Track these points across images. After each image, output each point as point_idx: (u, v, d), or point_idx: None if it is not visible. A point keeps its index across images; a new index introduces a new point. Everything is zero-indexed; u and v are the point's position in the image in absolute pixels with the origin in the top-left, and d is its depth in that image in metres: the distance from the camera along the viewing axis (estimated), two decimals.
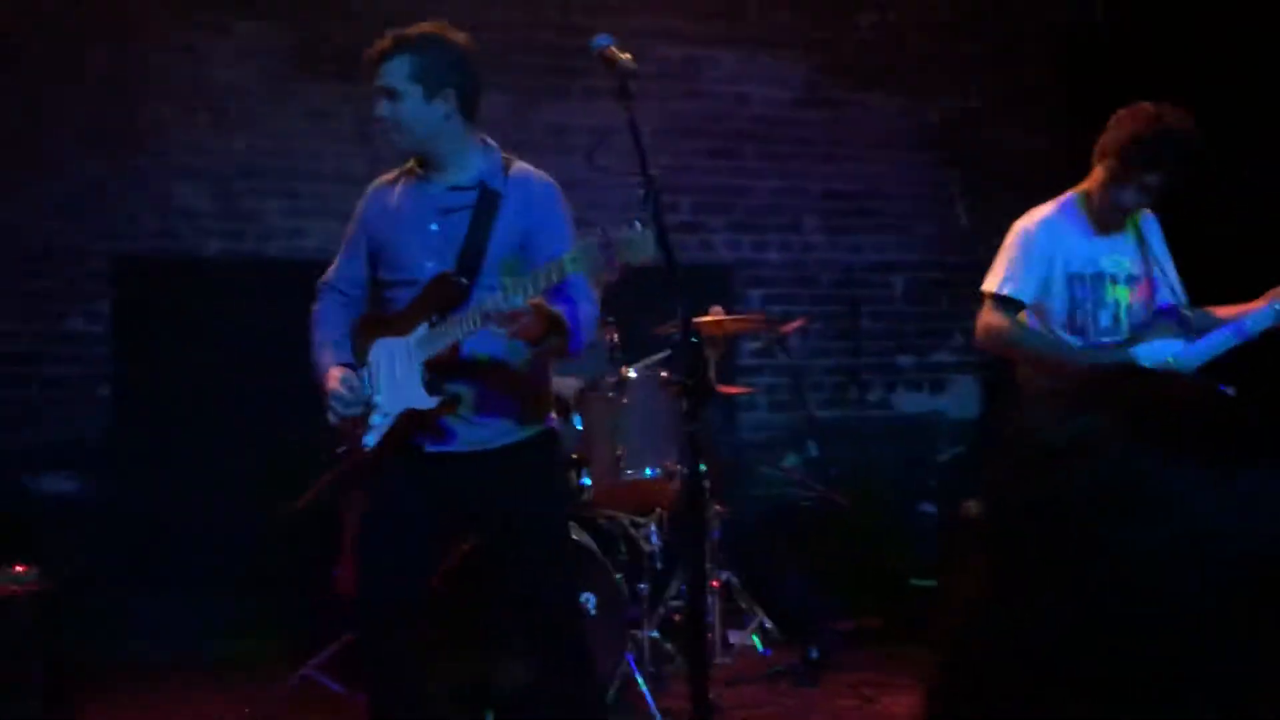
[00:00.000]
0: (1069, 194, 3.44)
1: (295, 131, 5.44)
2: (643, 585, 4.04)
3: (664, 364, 4.19)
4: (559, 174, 5.65)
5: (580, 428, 4.17)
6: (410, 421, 2.82)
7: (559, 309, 2.67)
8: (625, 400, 4.04)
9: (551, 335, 2.68)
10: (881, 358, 6.23)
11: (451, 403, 2.81)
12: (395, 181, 2.98)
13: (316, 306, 3.07)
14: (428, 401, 2.79)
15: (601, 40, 2.64)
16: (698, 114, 6.00)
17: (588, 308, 2.79)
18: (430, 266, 2.82)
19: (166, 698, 4.29)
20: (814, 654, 4.31)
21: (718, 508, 4.29)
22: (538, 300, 2.57)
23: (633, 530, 4.14)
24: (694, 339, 2.38)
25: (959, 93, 6.35)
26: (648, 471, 4.02)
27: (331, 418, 2.88)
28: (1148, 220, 3.47)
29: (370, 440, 2.84)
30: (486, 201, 2.83)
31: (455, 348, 2.76)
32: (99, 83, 5.18)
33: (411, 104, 2.79)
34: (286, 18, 5.43)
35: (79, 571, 3.89)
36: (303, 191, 5.44)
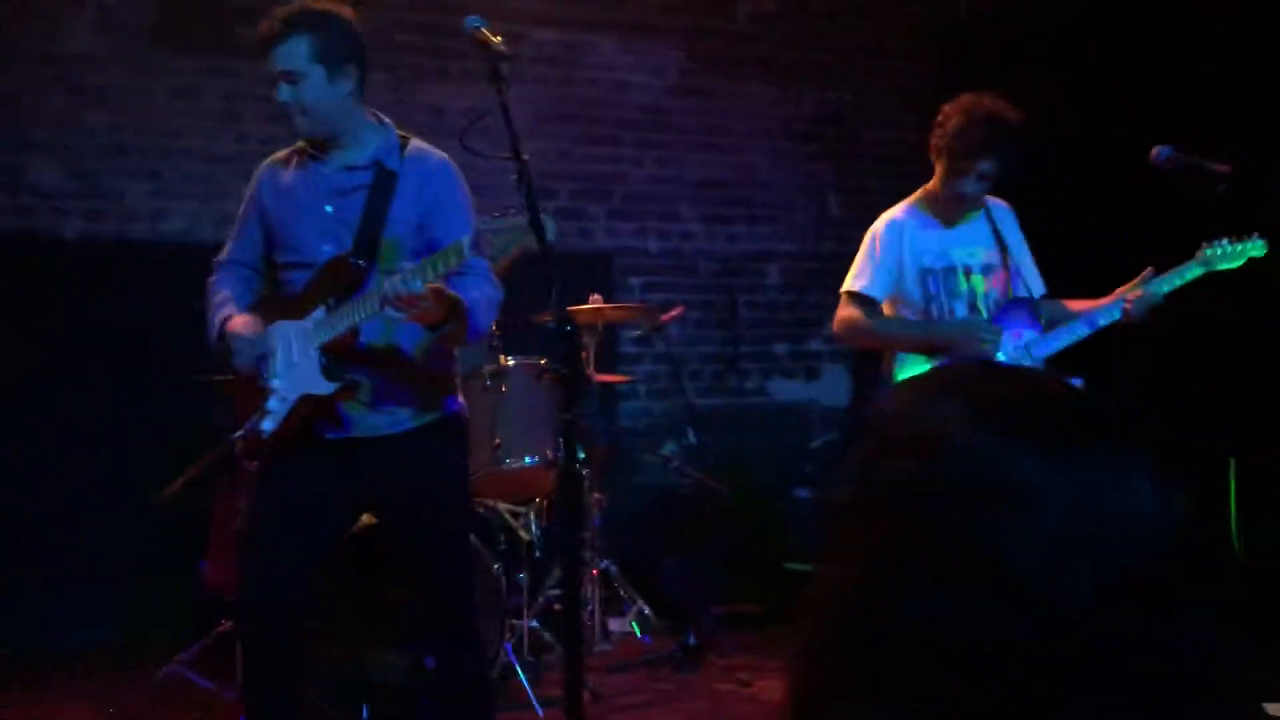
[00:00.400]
0: (915, 195, 3.57)
1: (157, 108, 5.23)
2: (522, 575, 4.03)
3: (542, 353, 4.17)
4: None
5: None
6: (308, 407, 2.76)
7: (458, 294, 2.63)
8: (504, 389, 4.01)
9: (451, 320, 2.64)
10: (758, 346, 6.32)
11: (349, 388, 2.76)
12: (288, 161, 2.91)
13: (212, 279, 2.98)
14: (325, 387, 2.74)
15: (473, 21, 2.59)
16: (576, 100, 5.98)
17: (489, 292, 2.77)
18: (326, 249, 2.77)
19: (30, 690, 4.11)
20: (692, 640, 4.35)
21: (597, 496, 4.30)
22: (437, 285, 2.54)
23: (511, 519, 4.12)
24: (569, 328, 2.37)
25: (833, 85, 6.47)
26: (526, 460, 4.00)
27: (235, 360, 2.81)
28: (1002, 211, 3.61)
29: (267, 426, 2.76)
30: (382, 182, 2.76)
31: (354, 333, 2.71)
32: None
33: (315, 85, 2.71)
34: None
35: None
36: (166, 171, 5.23)
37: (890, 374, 3.51)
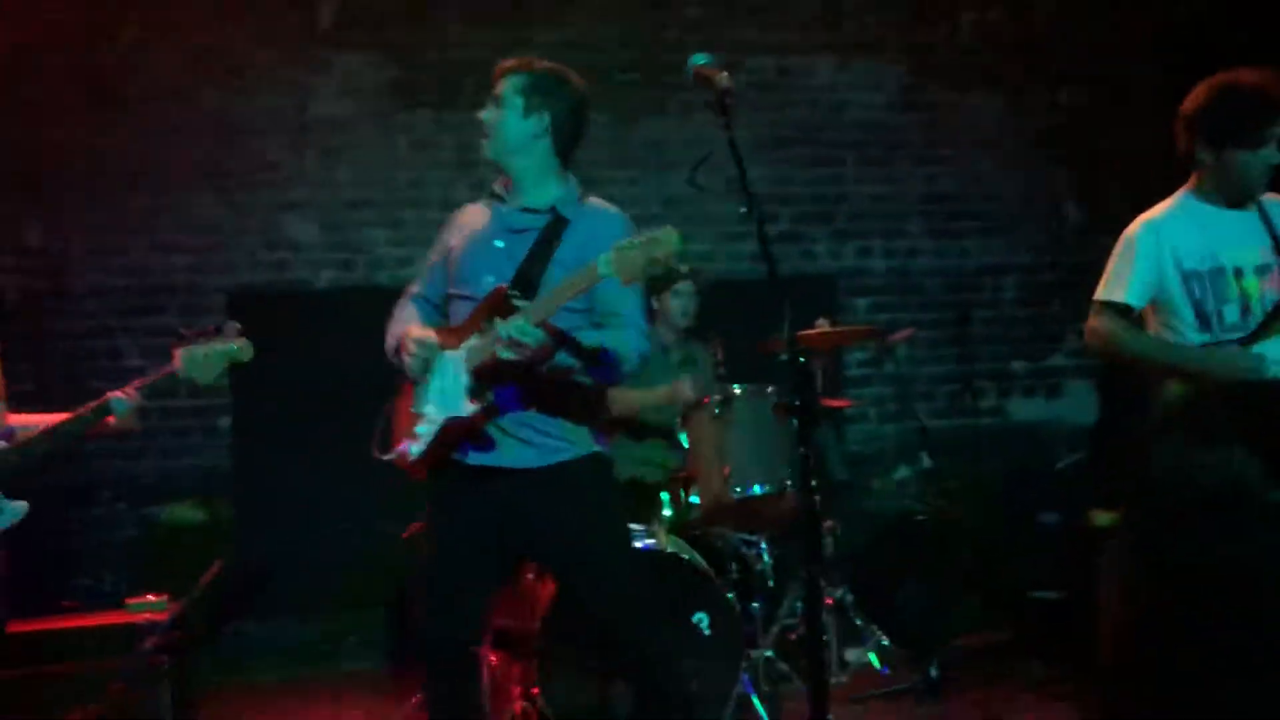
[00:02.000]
0: (1178, 193, 3.30)
1: (398, 162, 5.55)
2: (756, 604, 3.99)
3: (769, 379, 4.14)
4: (659, 189, 5.80)
5: (686, 446, 4.15)
6: (454, 430, 2.82)
7: (592, 335, 2.77)
8: (732, 417, 4.00)
9: (564, 354, 2.75)
10: (994, 364, 6.07)
11: (491, 410, 2.79)
12: (480, 203, 3.08)
13: (400, 302, 3.12)
14: (469, 408, 2.79)
15: (696, 59, 2.64)
16: (795, 123, 5.95)
17: (632, 335, 2.82)
18: (488, 281, 2.85)
19: (297, 717, 4.38)
20: (934, 671, 4.20)
21: (829, 523, 4.22)
22: (546, 324, 2.66)
23: (744, 548, 4.10)
24: (801, 359, 2.33)
25: (1063, 90, 6.18)
26: (756, 489, 3.97)
27: (407, 359, 2.89)
28: (1275, 206, 3.30)
29: (415, 450, 2.85)
30: (554, 225, 2.88)
31: (498, 360, 2.74)
32: (211, 123, 5.36)
33: (509, 114, 2.90)
34: (385, 50, 5.55)
35: (204, 598, 3.99)
36: (408, 220, 5.54)
37: (1154, 394, 3.26)
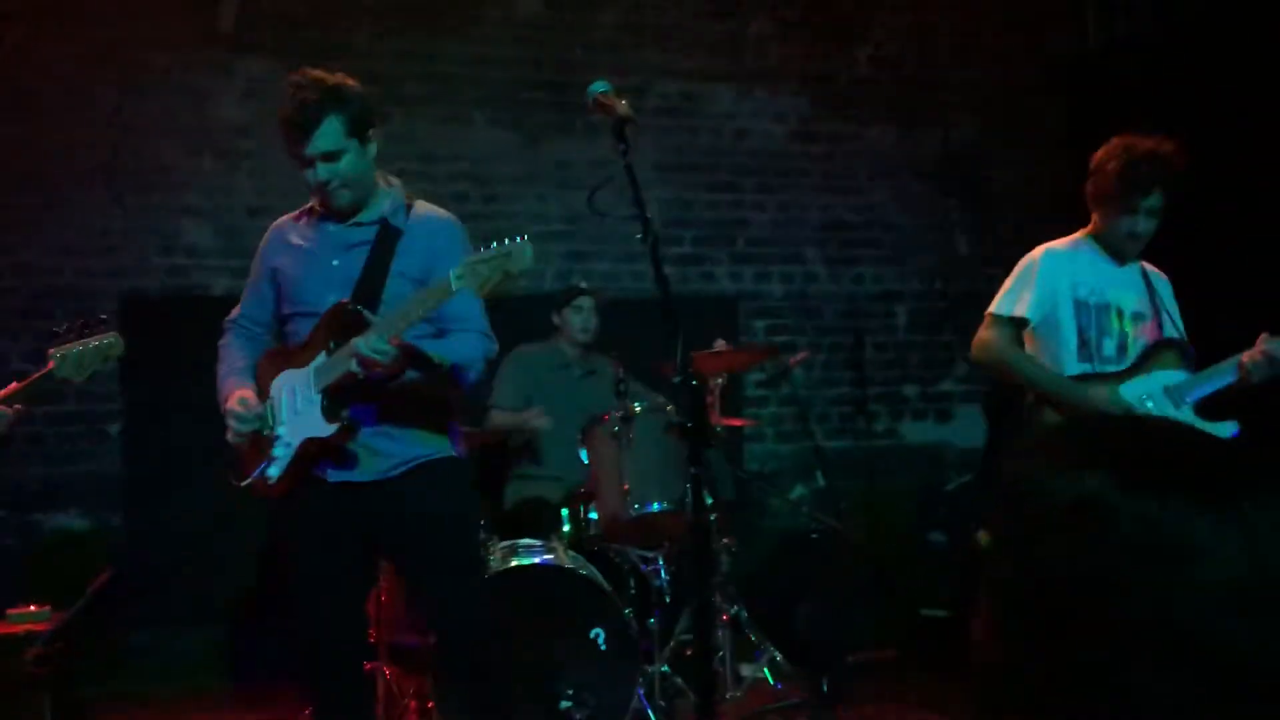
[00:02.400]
0: (1079, 233, 3.50)
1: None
2: (652, 620, 4.03)
3: (669, 399, 4.20)
4: (563, 208, 5.83)
5: (586, 462, 4.18)
6: (312, 450, 2.85)
7: (438, 344, 2.84)
8: (631, 435, 4.04)
9: (413, 369, 2.79)
10: (887, 387, 6.24)
11: (350, 428, 2.82)
12: (298, 220, 3.07)
13: (222, 341, 3.12)
14: (326, 429, 2.81)
15: (597, 87, 2.68)
16: (698, 148, 6.05)
17: (475, 339, 2.91)
18: (330, 299, 2.88)
19: None
20: (826, 687, 4.29)
21: (725, 541, 4.28)
22: (399, 340, 2.69)
23: (642, 565, 4.14)
24: (693, 381, 2.40)
25: (956, 123, 6.40)
26: (655, 506, 4.01)
27: (230, 436, 2.93)
28: (1159, 279, 3.53)
29: (274, 471, 2.87)
30: (386, 237, 2.91)
31: (351, 376, 2.76)
32: (106, 123, 5.23)
33: (352, 158, 2.86)
34: (289, 57, 5.48)
35: (88, 608, 3.88)
36: None
37: (1032, 419, 3.42)
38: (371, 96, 2.93)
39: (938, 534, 5.77)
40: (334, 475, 2.88)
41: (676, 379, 2.40)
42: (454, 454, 3.00)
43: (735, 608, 4.35)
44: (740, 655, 4.42)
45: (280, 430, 2.88)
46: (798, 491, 5.68)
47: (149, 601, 4.76)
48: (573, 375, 4.92)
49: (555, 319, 4.92)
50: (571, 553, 4.05)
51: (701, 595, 3.06)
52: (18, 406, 2.99)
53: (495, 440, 4.78)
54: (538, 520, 4.41)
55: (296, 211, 3.10)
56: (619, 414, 4.08)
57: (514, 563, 3.88)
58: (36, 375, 2.99)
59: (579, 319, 4.83)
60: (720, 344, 4.42)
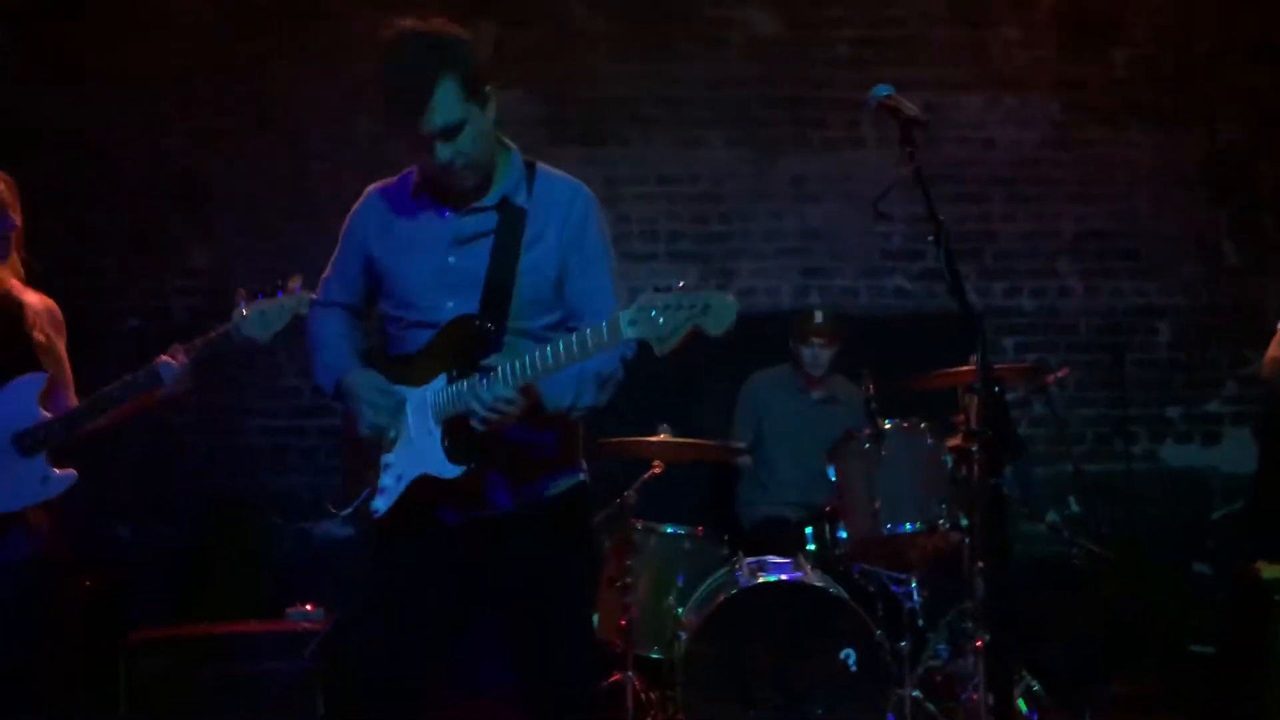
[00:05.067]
0: None
1: None
2: (904, 642, 3.93)
3: (921, 414, 4.10)
4: (800, 223, 5.80)
5: (834, 479, 4.12)
6: (427, 489, 2.37)
7: (559, 385, 2.31)
8: (883, 452, 3.96)
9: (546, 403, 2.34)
10: (1147, 408, 5.88)
11: (477, 473, 2.36)
12: (396, 194, 2.52)
13: (314, 316, 2.61)
14: (449, 470, 2.33)
15: (881, 90, 2.60)
16: (942, 159, 5.89)
17: (608, 365, 2.37)
18: (450, 306, 2.40)
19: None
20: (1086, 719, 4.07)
21: (980, 564, 4.12)
22: (528, 388, 2.25)
23: (892, 586, 4.04)
24: (995, 388, 2.28)
25: (1221, 124, 5.99)
26: (907, 526, 3.92)
27: (364, 428, 2.43)
28: None
29: (380, 505, 2.40)
30: (509, 224, 2.39)
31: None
32: (365, 155, 5.56)
33: (474, 128, 2.32)
34: (534, 87, 5.67)
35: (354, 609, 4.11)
36: None
37: None
38: (598, 108, 2.52)
39: (1203, 565, 5.40)
40: (452, 519, 2.44)
41: (976, 387, 2.31)
42: (581, 477, 2.56)
43: (990, 635, 4.17)
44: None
45: (389, 458, 2.40)
46: (1050, 517, 5.41)
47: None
48: (809, 400, 4.91)
49: (791, 346, 4.92)
50: (819, 571, 3.99)
51: (992, 632, 2.78)
52: (181, 359, 2.79)
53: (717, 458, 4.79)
54: (781, 539, 4.38)
55: (397, 178, 2.55)
56: (869, 432, 4.01)
57: (761, 579, 3.86)
58: (215, 334, 2.73)
59: (809, 354, 4.82)
60: (975, 360, 4.26)
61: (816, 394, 4.91)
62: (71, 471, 2.85)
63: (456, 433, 2.33)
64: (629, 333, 2.09)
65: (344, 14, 5.52)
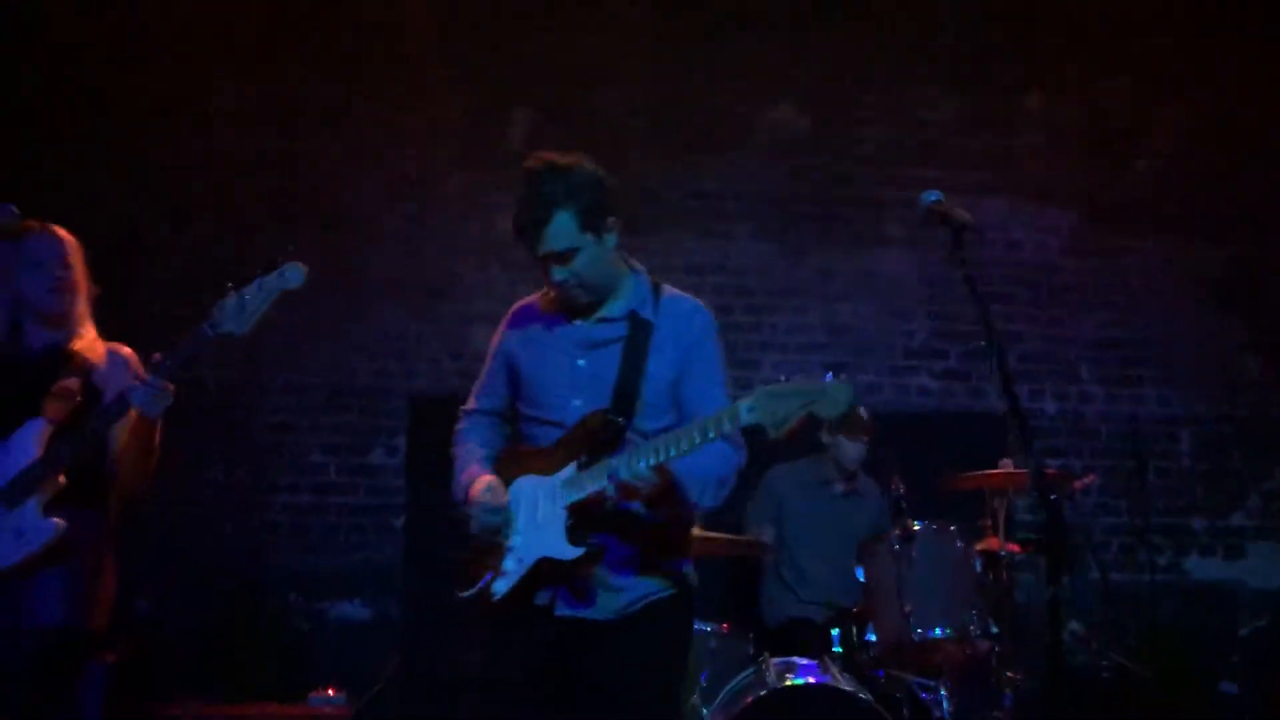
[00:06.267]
0: None
1: None
2: None
3: (952, 517, 4.08)
4: (826, 320, 5.84)
5: (863, 580, 4.09)
6: (545, 572, 2.52)
7: (689, 466, 2.45)
8: (913, 554, 3.94)
9: (673, 498, 2.47)
10: (1171, 518, 5.85)
11: (594, 556, 2.49)
12: (537, 308, 2.76)
13: (459, 427, 2.85)
14: (569, 551, 2.48)
15: (931, 195, 2.64)
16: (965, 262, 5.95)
17: (730, 451, 2.54)
18: (576, 405, 2.58)
19: None
20: None
21: (1009, 675, 4.08)
22: (662, 469, 2.39)
23: (921, 693, 3.98)
24: (1052, 495, 2.27)
25: (1241, 238, 6.06)
26: (937, 631, 3.87)
27: (474, 526, 2.61)
28: None
29: (500, 588, 2.54)
30: (638, 333, 2.61)
31: (602, 495, 2.47)
32: (403, 238, 5.65)
33: (588, 254, 2.55)
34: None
35: (377, 693, 4.06)
36: None
37: None
38: (629, 200, 2.68)
39: (1229, 683, 5.32)
40: (563, 609, 2.56)
41: (1033, 493, 2.30)
42: (690, 583, 2.67)
43: None
44: None
45: (514, 542, 2.55)
46: (1072, 626, 5.35)
47: (433, 696, 4.93)
48: (832, 494, 4.86)
49: (824, 438, 4.86)
50: (847, 675, 3.94)
51: None
52: (147, 377, 2.72)
53: (742, 553, 4.75)
54: (805, 640, 4.32)
55: (534, 295, 2.79)
56: (898, 532, 3.99)
57: (789, 681, 3.81)
58: (185, 341, 2.69)
59: (855, 448, 4.75)
60: (1006, 463, 4.27)
61: (839, 489, 4.87)
62: (54, 522, 2.70)
63: (579, 517, 2.50)
64: (747, 419, 2.26)
65: (376, 113, 5.68)
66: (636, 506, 2.49)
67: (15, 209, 2.97)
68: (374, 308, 5.61)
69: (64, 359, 2.93)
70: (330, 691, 3.97)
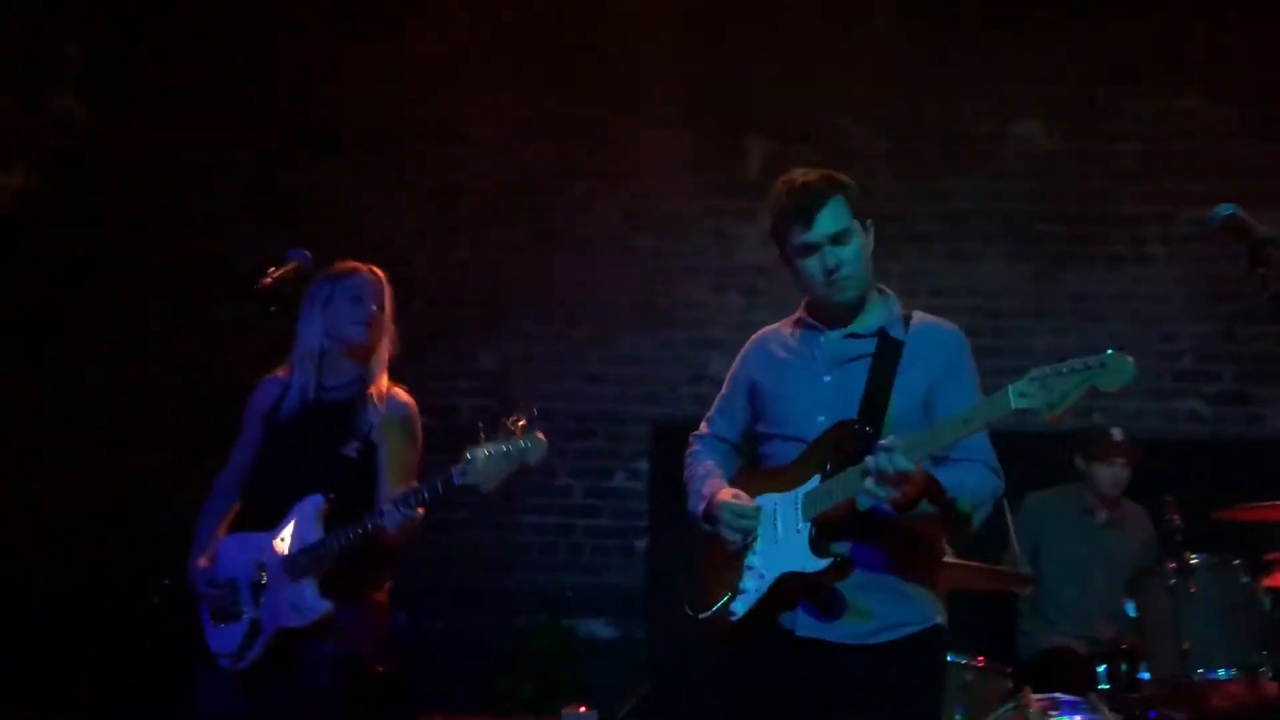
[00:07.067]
0: None
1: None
2: None
3: (1235, 549, 3.80)
4: (1082, 340, 5.56)
5: (1135, 615, 3.85)
6: (789, 588, 2.44)
7: (949, 474, 2.38)
8: (1191, 589, 3.68)
9: (926, 502, 2.37)
10: None
11: (841, 567, 2.40)
12: (782, 330, 2.75)
13: (690, 450, 2.83)
14: (813, 564, 2.40)
15: (1223, 210, 2.51)
16: (1236, 276, 5.54)
17: (987, 475, 2.46)
18: (821, 420, 2.52)
19: None
20: None
21: None
22: (921, 473, 2.30)
23: None
24: None
25: None
26: (1221, 672, 3.61)
27: (726, 533, 2.54)
28: None
29: (739, 608, 2.48)
30: (887, 349, 2.55)
31: (849, 506, 2.39)
32: (643, 266, 5.76)
33: (858, 243, 2.56)
34: None
35: (629, 711, 4.11)
36: None
37: None
38: (885, 233, 2.68)
39: None
40: (805, 629, 2.47)
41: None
42: (939, 621, 2.54)
43: None
44: None
45: (754, 559, 2.48)
46: None
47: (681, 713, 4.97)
48: (1095, 523, 4.64)
49: (1079, 464, 4.66)
50: (1116, 714, 3.71)
51: None
52: (397, 508, 2.83)
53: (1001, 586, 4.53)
54: (1067, 673, 4.11)
55: (783, 320, 2.78)
56: (1174, 565, 3.74)
57: (1054, 718, 3.62)
58: (435, 480, 2.77)
59: (1111, 473, 4.55)
60: None
61: (1102, 517, 4.64)
62: (325, 604, 2.87)
63: (823, 527, 2.43)
64: (1017, 404, 2.18)
65: (627, 137, 5.80)
66: (887, 511, 2.37)
67: (309, 254, 3.18)
68: (616, 334, 5.74)
69: (359, 402, 3.09)
70: (582, 709, 4.04)
